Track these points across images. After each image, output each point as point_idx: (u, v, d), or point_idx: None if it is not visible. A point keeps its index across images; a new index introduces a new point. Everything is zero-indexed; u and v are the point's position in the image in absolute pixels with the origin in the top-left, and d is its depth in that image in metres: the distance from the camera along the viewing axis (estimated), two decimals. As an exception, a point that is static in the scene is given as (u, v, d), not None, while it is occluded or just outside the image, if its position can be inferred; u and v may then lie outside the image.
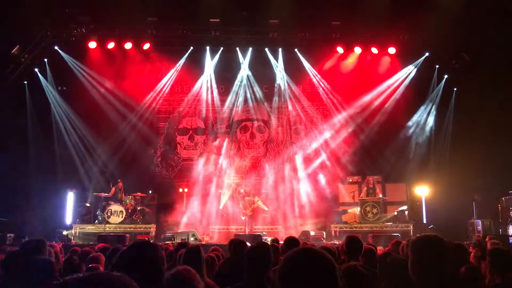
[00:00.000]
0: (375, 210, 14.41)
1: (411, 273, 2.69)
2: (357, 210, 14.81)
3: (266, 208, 15.26)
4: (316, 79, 17.03)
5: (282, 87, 17.25)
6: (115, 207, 14.34)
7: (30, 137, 15.21)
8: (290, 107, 17.37)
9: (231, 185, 16.06)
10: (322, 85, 17.06)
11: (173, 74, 16.98)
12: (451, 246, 3.71)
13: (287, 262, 1.87)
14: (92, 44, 15.86)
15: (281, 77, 17.15)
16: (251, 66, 17.00)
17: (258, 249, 3.89)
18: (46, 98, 15.83)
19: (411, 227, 14.00)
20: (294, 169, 16.56)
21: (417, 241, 2.75)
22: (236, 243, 5.54)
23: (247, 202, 14.44)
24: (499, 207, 13.87)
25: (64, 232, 13.80)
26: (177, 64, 16.84)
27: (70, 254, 6.28)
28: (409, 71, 16.64)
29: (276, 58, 17.01)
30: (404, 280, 2.79)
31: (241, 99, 17.25)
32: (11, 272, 3.82)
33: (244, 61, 16.98)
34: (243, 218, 14.46)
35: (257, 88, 17.23)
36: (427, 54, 16.28)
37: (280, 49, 16.88)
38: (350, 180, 16.15)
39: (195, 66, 16.97)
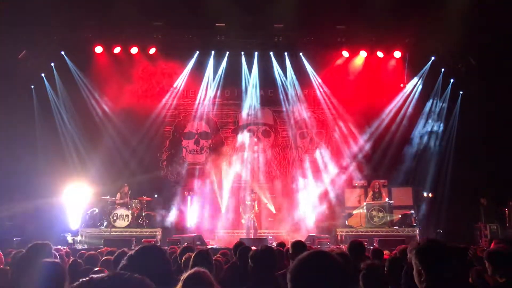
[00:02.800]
0: (381, 214, 14.36)
1: (417, 282, 2.68)
2: (362, 210, 14.75)
3: (274, 211, 15.30)
4: (321, 83, 17.02)
5: (287, 91, 17.24)
6: (121, 211, 14.37)
7: (38, 141, 15.30)
8: (295, 111, 17.35)
9: (236, 189, 16.07)
10: (327, 90, 17.05)
11: (179, 78, 17.03)
12: (454, 249, 3.72)
13: (299, 265, 1.87)
14: (98, 49, 15.96)
15: (286, 81, 17.15)
16: (256, 70, 17.02)
17: (263, 252, 3.89)
18: (55, 99, 15.96)
19: (417, 232, 13.94)
20: (300, 173, 16.54)
21: (420, 248, 2.73)
22: (241, 247, 5.54)
23: (248, 206, 14.44)
24: (506, 211, 13.79)
25: (69, 238, 13.83)
26: (185, 70, 16.89)
27: (75, 257, 6.31)
28: (416, 81, 16.63)
29: (281, 62, 17.02)
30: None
31: (246, 103, 17.27)
32: (19, 274, 3.84)
33: (249, 65, 17.01)
34: (243, 222, 14.47)
35: (262, 92, 17.25)
36: (433, 58, 16.24)
37: (285, 53, 16.91)
38: (356, 184, 16.11)
39: (200, 71, 17.02)
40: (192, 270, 2.94)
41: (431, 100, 16.64)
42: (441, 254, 2.67)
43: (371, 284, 3.72)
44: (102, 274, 1.41)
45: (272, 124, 17.59)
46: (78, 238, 13.89)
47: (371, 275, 3.76)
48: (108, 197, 14.74)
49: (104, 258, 5.76)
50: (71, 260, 6.26)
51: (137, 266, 2.52)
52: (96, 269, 4.92)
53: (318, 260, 1.87)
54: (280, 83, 17.18)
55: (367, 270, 3.81)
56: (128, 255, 2.76)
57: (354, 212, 15.06)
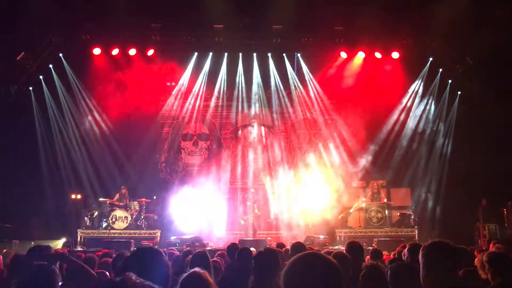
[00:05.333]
0: (379, 215, 14.39)
1: (423, 278, 2.71)
2: (359, 207, 14.78)
3: (276, 212, 15.37)
4: (320, 84, 17.04)
5: (286, 92, 17.25)
6: (119, 212, 14.38)
7: (39, 142, 15.33)
8: (294, 112, 17.37)
9: (235, 190, 16.09)
10: (325, 90, 17.08)
11: (178, 80, 17.05)
12: (458, 250, 3.75)
13: (291, 267, 1.88)
14: (97, 51, 15.95)
15: (285, 82, 17.15)
16: (255, 72, 17.03)
17: (267, 254, 3.90)
18: (52, 103, 15.97)
19: (416, 232, 13.96)
20: (298, 174, 16.54)
21: (429, 246, 2.78)
22: (241, 248, 5.54)
23: (249, 208, 14.44)
24: (505, 211, 13.81)
25: (67, 240, 13.82)
26: (185, 72, 16.92)
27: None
28: (416, 83, 16.67)
29: (280, 64, 17.04)
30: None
31: (245, 104, 17.28)
32: (18, 276, 3.85)
33: (248, 66, 17.02)
34: (242, 222, 14.47)
35: (261, 93, 17.26)
36: (431, 59, 16.27)
37: (284, 55, 16.94)
38: (355, 185, 16.12)
39: (198, 72, 17.03)
40: (190, 271, 2.95)
41: (430, 101, 16.67)
42: (446, 253, 2.72)
43: (371, 284, 3.73)
44: (110, 279, 1.44)
45: (271, 125, 17.60)
46: (77, 240, 13.89)
47: (372, 275, 3.78)
48: (107, 199, 14.76)
49: (101, 260, 5.77)
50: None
51: (134, 269, 2.53)
52: (96, 271, 4.92)
53: (309, 261, 1.88)
54: (279, 84, 17.19)
55: (368, 270, 3.82)
56: (124, 257, 2.78)
57: (352, 210, 15.08)
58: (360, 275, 3.85)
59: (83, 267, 3.66)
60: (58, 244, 13.39)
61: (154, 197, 15.75)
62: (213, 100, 17.26)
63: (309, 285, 1.82)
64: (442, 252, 2.73)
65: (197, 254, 4.36)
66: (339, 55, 16.46)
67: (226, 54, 16.94)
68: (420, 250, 2.83)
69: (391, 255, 6.88)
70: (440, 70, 16.34)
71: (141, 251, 2.76)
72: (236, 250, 5.58)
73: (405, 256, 4.81)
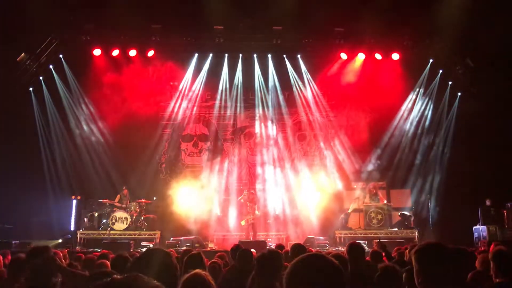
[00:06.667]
0: (379, 216, 14.38)
1: (416, 281, 2.69)
2: (356, 206, 14.79)
3: (276, 212, 15.36)
4: (320, 86, 17.04)
5: (286, 93, 17.25)
6: (119, 213, 14.36)
7: (39, 143, 15.35)
8: (294, 113, 17.36)
9: (235, 191, 16.08)
10: (326, 92, 17.07)
11: (178, 81, 17.05)
12: (453, 251, 3.72)
13: (295, 268, 1.88)
14: (97, 52, 15.96)
15: (285, 83, 17.14)
16: (255, 72, 17.03)
17: (269, 256, 3.89)
18: (52, 104, 15.97)
19: (416, 233, 13.95)
20: (299, 175, 16.53)
21: (419, 250, 2.75)
22: (241, 250, 5.53)
23: (249, 209, 14.42)
24: (505, 213, 13.80)
25: (67, 240, 13.81)
26: (186, 73, 16.93)
27: (71, 260, 6.31)
28: (418, 84, 16.68)
29: (280, 64, 17.03)
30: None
31: (245, 105, 17.28)
32: (16, 275, 3.85)
33: (248, 67, 17.01)
34: (242, 223, 14.45)
35: (261, 94, 17.24)
36: (431, 60, 16.27)
37: (284, 56, 16.94)
38: (355, 186, 16.11)
39: (199, 73, 17.02)
40: (192, 272, 2.94)
41: (430, 102, 16.66)
42: (438, 255, 2.68)
43: (387, 285, 3.71)
44: (110, 278, 1.44)
45: (271, 126, 17.54)
46: (77, 240, 13.88)
47: (388, 277, 3.75)
48: (107, 200, 14.74)
49: (98, 261, 5.75)
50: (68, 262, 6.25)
51: (143, 269, 2.54)
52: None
53: (313, 263, 1.88)
54: (279, 85, 17.18)
55: (384, 271, 3.80)
56: (135, 257, 2.80)
57: (349, 210, 15.09)
58: (375, 277, 3.83)
59: (74, 273, 3.67)
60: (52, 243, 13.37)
61: (154, 198, 15.73)
62: (214, 101, 17.25)
63: (312, 287, 1.82)
64: (436, 255, 2.68)
65: (191, 255, 4.35)
66: (339, 56, 16.46)
67: (226, 55, 16.95)
68: (413, 254, 2.79)
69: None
70: (440, 71, 16.36)
71: (150, 252, 2.79)
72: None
73: (407, 258, 4.81)
